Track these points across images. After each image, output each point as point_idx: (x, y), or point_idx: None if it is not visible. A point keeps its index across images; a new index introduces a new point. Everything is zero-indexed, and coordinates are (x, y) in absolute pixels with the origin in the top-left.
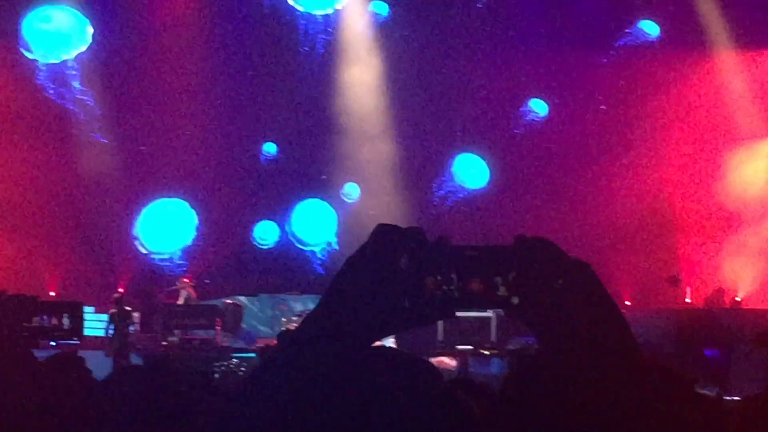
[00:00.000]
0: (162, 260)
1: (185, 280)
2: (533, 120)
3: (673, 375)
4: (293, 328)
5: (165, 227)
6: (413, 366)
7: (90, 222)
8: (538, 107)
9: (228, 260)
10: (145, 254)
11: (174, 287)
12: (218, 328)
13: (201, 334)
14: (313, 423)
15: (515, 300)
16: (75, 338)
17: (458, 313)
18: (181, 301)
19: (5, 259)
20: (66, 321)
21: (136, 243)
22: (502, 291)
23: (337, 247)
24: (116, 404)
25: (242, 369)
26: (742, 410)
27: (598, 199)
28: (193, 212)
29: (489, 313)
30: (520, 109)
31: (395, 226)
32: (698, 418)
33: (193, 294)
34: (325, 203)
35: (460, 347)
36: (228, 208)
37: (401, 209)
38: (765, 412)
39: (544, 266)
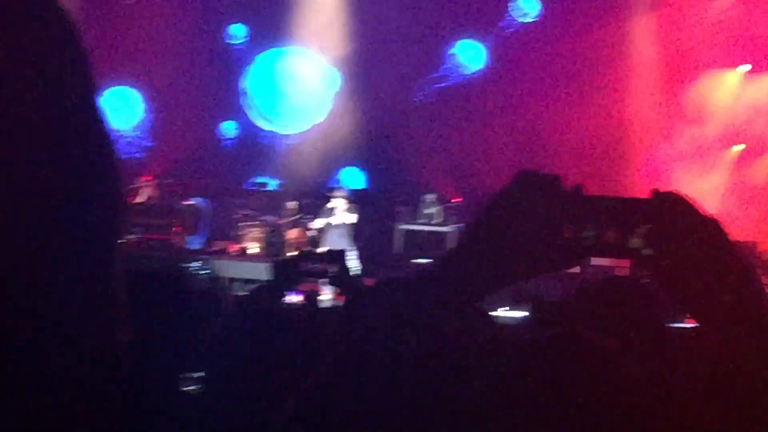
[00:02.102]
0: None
1: (146, 179)
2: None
3: None
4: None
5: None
6: None
7: None
8: (528, 5)
9: (190, 160)
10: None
11: (135, 185)
12: (176, 229)
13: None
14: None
15: (647, 252)
16: None
17: (416, 227)
18: (141, 200)
19: None
20: None
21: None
22: (635, 242)
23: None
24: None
25: (203, 272)
26: None
27: (572, 110)
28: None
29: (445, 228)
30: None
31: (535, 173)
32: None
33: (155, 194)
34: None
35: (416, 260)
36: (191, 103)
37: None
38: None
39: (679, 220)
